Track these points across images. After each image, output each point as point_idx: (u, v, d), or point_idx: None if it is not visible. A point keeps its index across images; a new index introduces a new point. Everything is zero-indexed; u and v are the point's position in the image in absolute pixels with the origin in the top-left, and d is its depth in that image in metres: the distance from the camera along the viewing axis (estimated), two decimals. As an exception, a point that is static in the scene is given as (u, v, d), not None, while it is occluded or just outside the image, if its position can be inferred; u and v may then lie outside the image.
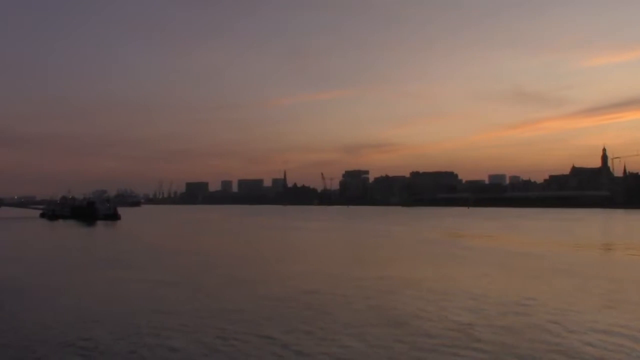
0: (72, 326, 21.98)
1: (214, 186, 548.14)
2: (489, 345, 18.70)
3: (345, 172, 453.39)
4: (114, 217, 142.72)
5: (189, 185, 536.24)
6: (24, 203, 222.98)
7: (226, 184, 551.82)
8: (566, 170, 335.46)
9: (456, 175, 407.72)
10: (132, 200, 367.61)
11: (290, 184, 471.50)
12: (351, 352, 18.13)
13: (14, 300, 27.86)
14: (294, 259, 48.33)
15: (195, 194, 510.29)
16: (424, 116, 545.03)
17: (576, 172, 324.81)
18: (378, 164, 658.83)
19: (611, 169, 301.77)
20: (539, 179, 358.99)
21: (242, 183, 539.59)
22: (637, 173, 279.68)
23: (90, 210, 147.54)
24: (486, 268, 39.88)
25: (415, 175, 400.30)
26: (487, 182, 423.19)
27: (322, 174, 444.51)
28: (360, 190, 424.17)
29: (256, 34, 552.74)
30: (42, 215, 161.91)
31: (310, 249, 59.68)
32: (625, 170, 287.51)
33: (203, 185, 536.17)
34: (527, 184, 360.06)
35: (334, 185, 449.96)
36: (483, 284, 32.33)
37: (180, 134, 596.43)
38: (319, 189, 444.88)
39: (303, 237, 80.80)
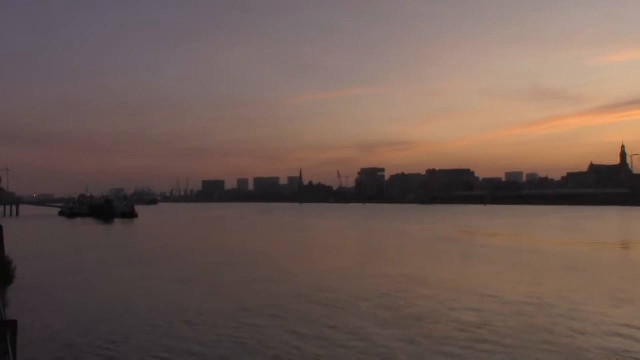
0: (91, 325, 22.82)
1: (230, 184, 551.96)
2: (497, 345, 19.21)
3: (361, 170, 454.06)
4: (131, 215, 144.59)
5: (206, 183, 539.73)
6: (43, 201, 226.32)
7: (242, 182, 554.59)
8: (584, 168, 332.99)
9: (473, 173, 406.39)
10: (149, 199, 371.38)
11: (306, 182, 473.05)
12: (362, 349, 18.75)
13: (38, 299, 28.80)
14: (309, 256, 49.08)
15: (212, 192, 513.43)
16: (441, 114, 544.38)
17: (594, 169, 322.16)
18: (394, 162, 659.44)
19: (630, 166, 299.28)
20: (557, 176, 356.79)
21: (258, 181, 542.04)
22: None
23: (108, 208, 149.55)
24: (498, 266, 40.33)
25: (432, 173, 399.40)
26: (503, 179, 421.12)
27: (338, 172, 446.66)
28: (376, 188, 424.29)
29: (273, 32, 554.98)
30: (61, 214, 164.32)
31: (325, 246, 60.37)
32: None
33: (219, 184, 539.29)
34: (545, 182, 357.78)
35: (350, 183, 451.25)
36: (495, 282, 32.77)
37: (197, 132, 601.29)
38: (335, 187, 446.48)
39: (318, 235, 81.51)
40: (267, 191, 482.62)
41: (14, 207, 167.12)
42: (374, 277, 34.79)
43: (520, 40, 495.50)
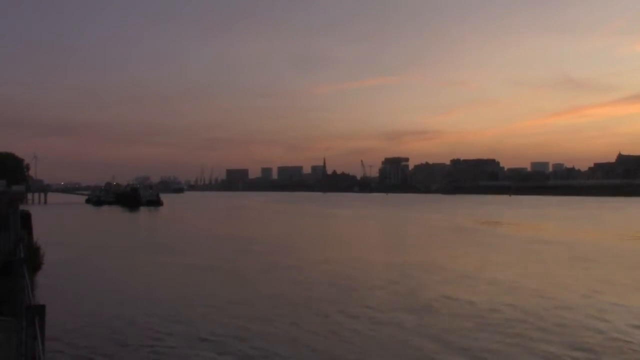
0: (117, 310, 23.56)
1: (254, 173, 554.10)
2: (504, 335, 19.49)
3: (385, 159, 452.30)
4: (156, 203, 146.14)
5: (230, 172, 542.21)
6: (70, 189, 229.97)
7: (266, 171, 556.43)
8: (612, 158, 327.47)
9: (498, 163, 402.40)
10: (176, 187, 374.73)
11: (329, 171, 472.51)
12: (377, 336, 19.17)
13: (65, 284, 29.66)
14: (329, 244, 49.64)
15: (236, 180, 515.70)
16: (466, 103, 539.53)
17: (623, 160, 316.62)
18: (418, 152, 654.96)
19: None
20: (584, 167, 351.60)
21: (282, 170, 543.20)
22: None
23: (134, 196, 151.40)
24: (512, 256, 40.87)
25: (456, 162, 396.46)
26: (529, 170, 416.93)
27: (361, 161, 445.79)
28: (400, 177, 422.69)
29: (296, 24, 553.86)
30: (88, 201, 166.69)
31: (345, 235, 60.83)
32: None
33: (243, 172, 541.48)
34: (571, 172, 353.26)
35: (374, 172, 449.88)
36: (507, 271, 33.17)
37: (221, 121, 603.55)
38: (359, 176, 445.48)
39: (339, 223, 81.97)
40: (291, 180, 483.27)
41: (42, 195, 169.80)
42: (389, 266, 35.52)
43: (548, 28, 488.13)
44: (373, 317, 21.54)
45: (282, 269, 34.65)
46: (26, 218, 35.38)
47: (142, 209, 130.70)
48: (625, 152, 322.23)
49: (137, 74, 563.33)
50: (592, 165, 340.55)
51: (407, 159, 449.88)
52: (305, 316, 21.80)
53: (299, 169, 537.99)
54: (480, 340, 18.37)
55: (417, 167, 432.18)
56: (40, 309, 10.06)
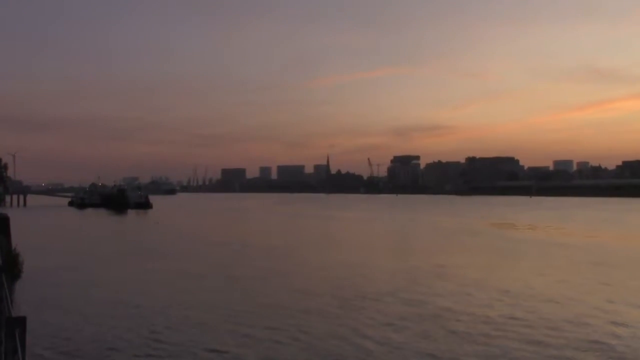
0: (102, 321, 23.82)
1: (252, 173, 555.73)
2: (517, 342, 19.70)
3: (394, 157, 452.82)
4: (145, 205, 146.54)
5: (225, 171, 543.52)
6: (52, 190, 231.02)
7: (265, 171, 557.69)
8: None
9: (517, 161, 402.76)
10: (166, 188, 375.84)
11: (334, 171, 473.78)
12: (385, 347, 19.39)
13: (46, 294, 29.88)
14: (330, 249, 49.99)
15: (232, 181, 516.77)
16: (482, 96, 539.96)
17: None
18: (430, 149, 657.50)
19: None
20: (611, 165, 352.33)
21: (282, 169, 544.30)
22: None
23: (121, 199, 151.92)
24: (525, 261, 41.48)
25: (472, 161, 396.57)
26: (551, 168, 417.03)
27: (368, 159, 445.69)
28: (411, 177, 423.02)
29: (297, 9, 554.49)
30: (71, 204, 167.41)
31: (348, 239, 61.16)
32: None
33: (240, 172, 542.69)
34: (597, 171, 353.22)
35: (382, 172, 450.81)
36: (518, 277, 33.63)
37: (217, 116, 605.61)
38: (366, 176, 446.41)
39: (342, 227, 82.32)
40: (291, 180, 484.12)
41: (22, 197, 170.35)
42: (393, 272, 36.15)
43: (573, 13, 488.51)
44: (379, 330, 21.76)
45: (280, 276, 34.92)
46: (4, 222, 35.60)
47: (130, 212, 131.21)
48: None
49: (125, 65, 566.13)
50: (619, 163, 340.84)
51: (418, 157, 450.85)
52: (305, 327, 21.99)
53: (301, 168, 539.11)
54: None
55: (429, 165, 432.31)
56: (21, 321, 10.13)
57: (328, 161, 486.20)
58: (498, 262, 40.95)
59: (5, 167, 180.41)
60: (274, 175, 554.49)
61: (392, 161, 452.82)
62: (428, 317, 23.58)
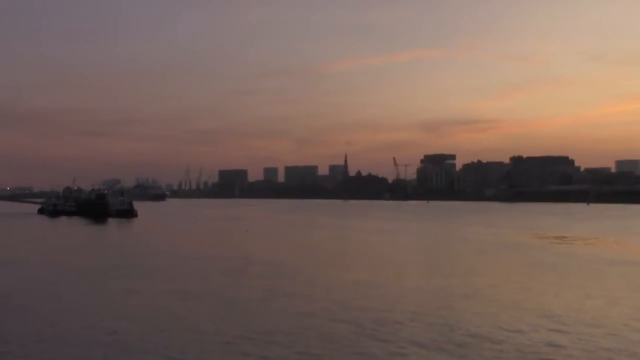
0: (74, 351, 24.23)
1: (255, 175, 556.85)
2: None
3: (425, 156, 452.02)
4: (129, 213, 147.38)
5: (223, 173, 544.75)
6: (18, 196, 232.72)
7: (270, 172, 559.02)
8: None
9: (572, 162, 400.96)
10: (154, 193, 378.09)
11: (352, 172, 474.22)
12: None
13: (16, 319, 30.37)
14: (346, 267, 50.42)
15: (231, 184, 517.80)
16: (530, 84, 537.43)
17: None
18: (468, 147, 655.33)
19: None
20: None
21: (290, 171, 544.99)
22: None
23: (100, 205, 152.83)
24: (572, 280, 41.67)
25: (517, 161, 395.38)
26: (613, 170, 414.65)
27: (394, 159, 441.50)
28: (445, 180, 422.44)
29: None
30: (41, 211, 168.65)
31: (367, 255, 61.69)
32: None
33: (241, 174, 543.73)
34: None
35: (410, 174, 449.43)
36: (565, 300, 33.89)
37: (214, 108, 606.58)
38: (390, 178, 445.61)
39: (361, 240, 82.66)
40: (302, 184, 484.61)
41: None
42: (419, 292, 36.68)
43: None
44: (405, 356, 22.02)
45: (286, 297, 35.33)
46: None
47: (111, 221, 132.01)
48: None
49: (106, 47, 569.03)
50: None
51: (453, 156, 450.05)
52: (314, 358, 22.31)
53: (313, 169, 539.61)
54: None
55: (466, 166, 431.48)
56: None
57: (346, 161, 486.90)
58: (541, 282, 41.14)
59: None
60: (280, 177, 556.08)
61: (422, 161, 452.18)
62: (458, 345, 23.81)
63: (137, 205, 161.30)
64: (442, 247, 71.36)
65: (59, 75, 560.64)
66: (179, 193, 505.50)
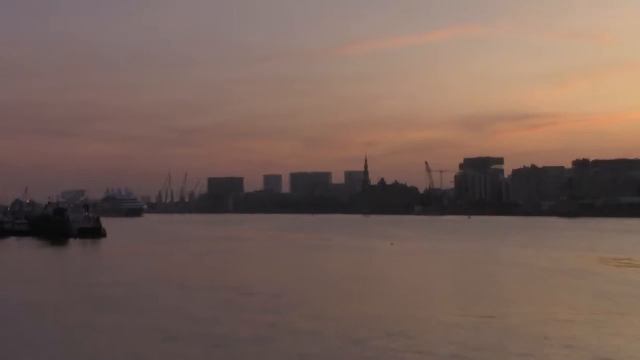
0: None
1: (253, 184, 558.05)
2: None
3: (465, 160, 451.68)
4: (95, 232, 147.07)
5: (214, 181, 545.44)
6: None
7: (272, 181, 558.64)
8: None
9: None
10: (128, 207, 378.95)
11: (374, 180, 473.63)
12: None
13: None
14: (363, 297, 50.91)
15: (223, 195, 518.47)
16: (599, 69, 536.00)
17: None
18: (519, 148, 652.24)
19: None
20: None
21: (296, 178, 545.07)
22: None
23: (59, 223, 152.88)
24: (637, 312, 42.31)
25: (582, 165, 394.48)
26: None
27: (426, 163, 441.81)
28: (490, 190, 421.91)
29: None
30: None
31: (391, 282, 62.45)
32: None
33: (235, 182, 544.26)
34: None
35: (446, 182, 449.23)
36: (629, 336, 34.70)
37: (202, 101, 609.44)
38: (422, 188, 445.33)
39: (384, 264, 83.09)
40: (311, 195, 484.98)
41: None
42: (448, 327, 37.30)
43: None
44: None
45: (291, 335, 35.52)
46: None
47: (73, 242, 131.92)
48: None
49: (70, 26, 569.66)
50: None
51: (500, 160, 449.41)
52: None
53: (325, 176, 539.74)
54: None
55: (517, 172, 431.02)
56: None
57: (366, 166, 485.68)
58: (602, 314, 41.48)
59: None
60: (285, 187, 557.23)
61: (461, 166, 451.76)
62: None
63: (106, 223, 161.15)
64: (485, 273, 71.17)
65: (12, 62, 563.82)
66: (159, 207, 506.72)
